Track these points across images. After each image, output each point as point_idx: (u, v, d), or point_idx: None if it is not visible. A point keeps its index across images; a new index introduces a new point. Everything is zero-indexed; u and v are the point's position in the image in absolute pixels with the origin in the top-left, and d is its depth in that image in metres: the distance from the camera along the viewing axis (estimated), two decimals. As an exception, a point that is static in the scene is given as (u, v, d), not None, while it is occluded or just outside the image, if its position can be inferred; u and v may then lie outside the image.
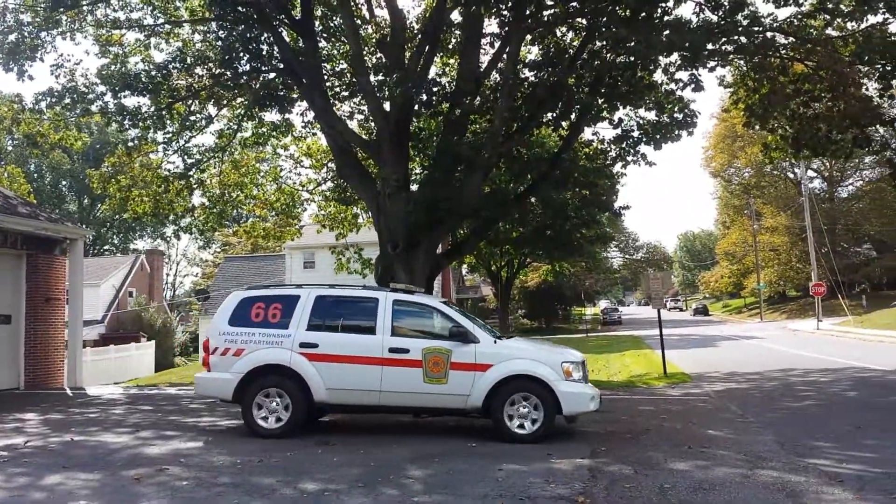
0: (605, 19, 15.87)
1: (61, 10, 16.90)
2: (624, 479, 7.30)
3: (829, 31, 16.33)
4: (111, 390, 18.37)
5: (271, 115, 20.43)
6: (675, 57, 16.58)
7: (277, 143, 22.70)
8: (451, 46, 19.52)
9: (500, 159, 18.77)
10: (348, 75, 19.70)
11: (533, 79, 17.98)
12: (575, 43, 18.07)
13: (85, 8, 17.82)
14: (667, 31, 14.34)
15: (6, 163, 52.53)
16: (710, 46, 15.39)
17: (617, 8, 15.40)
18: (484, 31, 17.76)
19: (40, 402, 14.58)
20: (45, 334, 17.98)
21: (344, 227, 23.34)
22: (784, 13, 16.14)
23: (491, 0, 15.18)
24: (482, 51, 17.95)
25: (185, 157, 21.33)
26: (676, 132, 18.75)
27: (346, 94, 20.02)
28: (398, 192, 16.42)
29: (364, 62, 17.25)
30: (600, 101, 17.40)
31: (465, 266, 49.53)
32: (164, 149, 21.16)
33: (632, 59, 15.52)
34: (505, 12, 16.02)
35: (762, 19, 15.93)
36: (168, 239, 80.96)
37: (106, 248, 75.93)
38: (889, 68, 15.34)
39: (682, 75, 17.52)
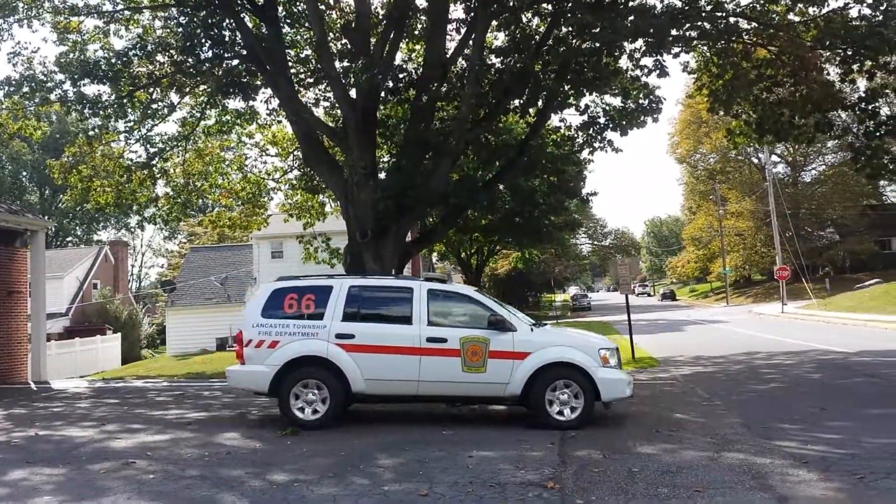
0: (570, 5, 15.87)
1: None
2: (593, 464, 7.34)
3: (791, 16, 16.49)
4: (76, 384, 18.08)
5: (235, 103, 20.16)
6: (639, 43, 16.67)
7: (242, 132, 22.41)
8: (417, 32, 19.41)
9: (468, 146, 18.73)
10: (313, 62, 19.48)
11: (500, 65, 17.94)
12: (541, 29, 18.05)
13: (42, -6, 17.39)
14: (632, 17, 14.37)
15: (-37, 153, 51.22)
16: (674, 32, 15.47)
17: (582, -6, 15.40)
18: (450, 16, 17.67)
19: (3, 397, 14.30)
20: (7, 328, 17.62)
21: (311, 215, 23.15)
22: (746, -1, 16.29)
23: (456, -15, 15.08)
24: (448, 37, 17.86)
25: (148, 145, 21.01)
26: (642, 118, 18.88)
27: (311, 80, 19.80)
28: (366, 179, 16.30)
29: (329, 48, 17.06)
30: (566, 88, 17.44)
31: (434, 254, 49.46)
32: (125, 138, 20.78)
33: (597, 45, 15.55)
34: (471, -2, 15.94)
35: (725, 5, 16.07)
36: (132, 229, 79.68)
37: (69, 239, 74.55)
38: (850, 53, 15.52)
39: (647, 61, 17.66)
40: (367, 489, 6.61)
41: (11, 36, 18.42)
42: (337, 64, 17.15)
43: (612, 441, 8.45)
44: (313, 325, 9.66)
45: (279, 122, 21.92)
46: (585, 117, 19.34)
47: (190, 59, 18.08)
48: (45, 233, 19.59)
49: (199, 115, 20.90)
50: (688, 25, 15.79)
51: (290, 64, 19.00)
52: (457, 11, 18.01)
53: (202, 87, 19.78)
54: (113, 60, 17.97)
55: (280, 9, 18.75)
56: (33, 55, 17.97)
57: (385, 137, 19.77)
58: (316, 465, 7.59)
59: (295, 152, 21.96)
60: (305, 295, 9.90)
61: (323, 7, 18.66)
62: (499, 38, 19.72)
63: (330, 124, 19.23)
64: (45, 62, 18.12)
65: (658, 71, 16.99)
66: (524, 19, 18.31)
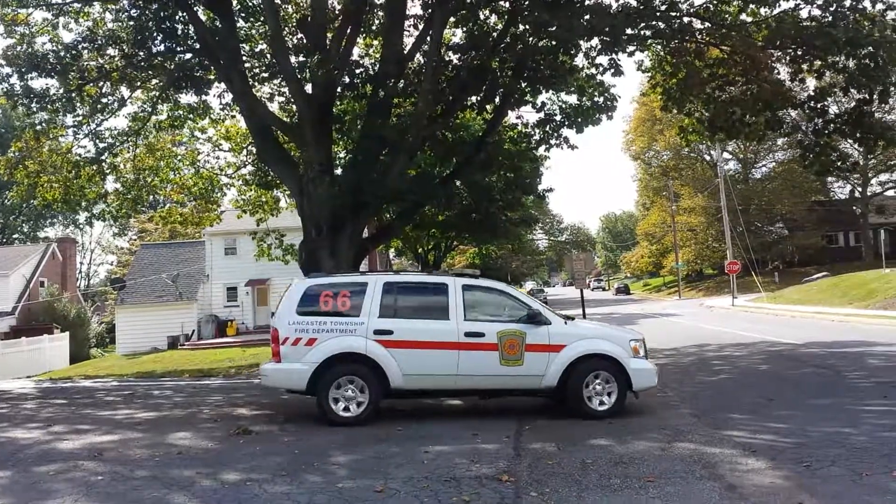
0: (527, 3, 15.95)
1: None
2: (547, 457, 7.41)
3: (743, 16, 16.81)
4: (22, 384, 17.63)
5: (187, 97, 19.86)
6: (595, 41, 16.84)
7: (194, 126, 22.02)
8: (374, 27, 19.32)
9: (425, 142, 18.71)
10: (268, 56, 19.24)
11: (457, 62, 17.94)
12: (498, 26, 18.13)
13: (-13, -15, 16.87)
14: (587, 16, 14.51)
15: None
16: (629, 31, 15.65)
17: (539, -8, 15.49)
18: (407, 12, 17.63)
19: (-56, 400, 13.86)
20: (-52, 328, 17.06)
21: (265, 211, 22.89)
22: (700, -2, 16.57)
23: (412, -19, 15.04)
24: (406, 32, 17.82)
25: (97, 141, 20.47)
26: (597, 116, 19.12)
27: (265, 75, 19.56)
28: (322, 175, 16.18)
29: (284, 43, 16.88)
30: (523, 85, 17.52)
31: (391, 250, 49.31)
32: (74, 133, 20.21)
33: (553, 43, 15.66)
34: (427, -7, 15.92)
35: (679, 4, 16.31)
36: (81, 226, 77.83)
37: (15, 237, 72.47)
38: (800, 52, 15.89)
39: (603, 60, 17.80)
40: (321, 486, 6.58)
41: (-45, 28, 17.84)
42: (292, 59, 16.96)
43: (567, 433, 8.54)
44: (351, 321, 9.60)
45: (233, 116, 21.62)
46: (542, 114, 19.51)
47: (141, 53, 17.71)
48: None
49: (150, 109, 20.48)
50: (642, 25, 16.00)
51: (245, 58, 18.75)
52: (414, 7, 18.01)
53: (154, 81, 19.40)
54: (62, 53, 17.50)
55: (234, 2, 18.49)
56: (-22, 48, 17.43)
57: (341, 133, 19.66)
58: (269, 463, 7.52)
59: (249, 147, 21.69)
60: (341, 292, 9.84)
61: (278, 1, 18.44)
62: (456, 35, 19.75)
63: (285, 119, 19.03)
64: (-10, 55, 17.59)
65: (613, 69, 17.20)
66: (482, 16, 18.36)
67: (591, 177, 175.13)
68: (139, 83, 19.51)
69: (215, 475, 7.08)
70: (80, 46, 17.82)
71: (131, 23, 17.66)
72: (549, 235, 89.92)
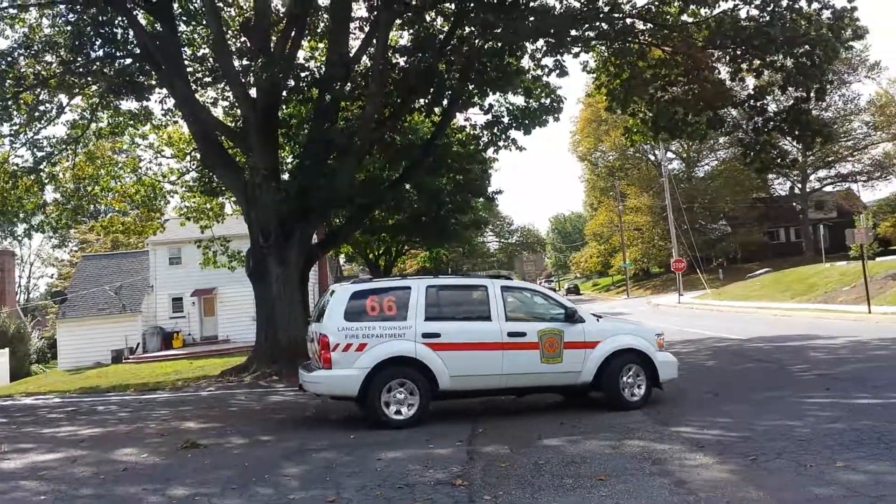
0: (472, 5, 15.99)
1: None
2: (500, 459, 7.38)
3: (684, 17, 17.13)
4: (-42, 403, 16.93)
5: (128, 104, 19.39)
6: (540, 43, 16.98)
7: (135, 133, 21.53)
8: (319, 30, 19.15)
9: (373, 146, 18.63)
10: (211, 60, 18.93)
11: (404, 64, 17.91)
12: (445, 28, 18.14)
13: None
14: (532, 18, 14.62)
15: None
16: (573, 32, 15.84)
17: (484, -6, 15.55)
18: (353, 15, 17.54)
19: None
20: None
21: (209, 218, 22.49)
22: (642, 0, 16.82)
23: (357, -17, 14.94)
24: (352, 35, 17.75)
25: (35, 150, 19.87)
26: (544, 117, 19.30)
27: (209, 79, 19.26)
28: (268, 181, 15.95)
29: (227, 46, 16.64)
30: (471, 87, 17.59)
31: (342, 256, 48.92)
32: (10, 142, 19.61)
33: (500, 44, 15.74)
34: (372, -4, 15.84)
35: (622, 5, 16.55)
36: (19, 238, 75.23)
37: (-51, 249, 69.82)
38: (739, 52, 16.25)
39: (549, 61, 18.01)
40: (273, 499, 6.43)
41: None
42: (236, 62, 16.73)
43: (519, 435, 8.53)
44: (399, 325, 9.57)
45: (175, 122, 21.21)
46: (490, 116, 19.63)
47: (79, 59, 17.28)
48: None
49: (89, 116, 19.97)
50: (586, 26, 16.21)
51: (187, 63, 18.43)
52: (360, 10, 17.90)
53: (93, 88, 18.91)
54: (-4, 60, 16.95)
55: (175, 6, 18.14)
56: None
57: (288, 137, 19.44)
58: (218, 477, 7.33)
59: (192, 153, 21.29)
60: (386, 296, 9.81)
61: (220, 4, 18.16)
62: (403, 38, 19.73)
63: (229, 124, 18.76)
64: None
65: (558, 70, 17.39)
66: (428, 18, 18.37)
67: (540, 178, 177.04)
68: (78, 90, 19.03)
69: (163, 491, 6.86)
70: (15, 53, 17.31)
71: (69, 28, 17.23)
72: (499, 237, 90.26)
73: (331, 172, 16.49)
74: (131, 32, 16.99)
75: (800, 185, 60.93)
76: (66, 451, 9.26)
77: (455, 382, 9.59)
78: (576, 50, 17.13)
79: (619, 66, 17.95)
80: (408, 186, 24.23)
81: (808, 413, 8.71)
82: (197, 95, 18.34)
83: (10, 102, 17.81)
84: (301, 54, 18.99)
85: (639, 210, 63.80)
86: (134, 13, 16.99)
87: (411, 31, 18.59)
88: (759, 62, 16.34)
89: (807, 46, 15.33)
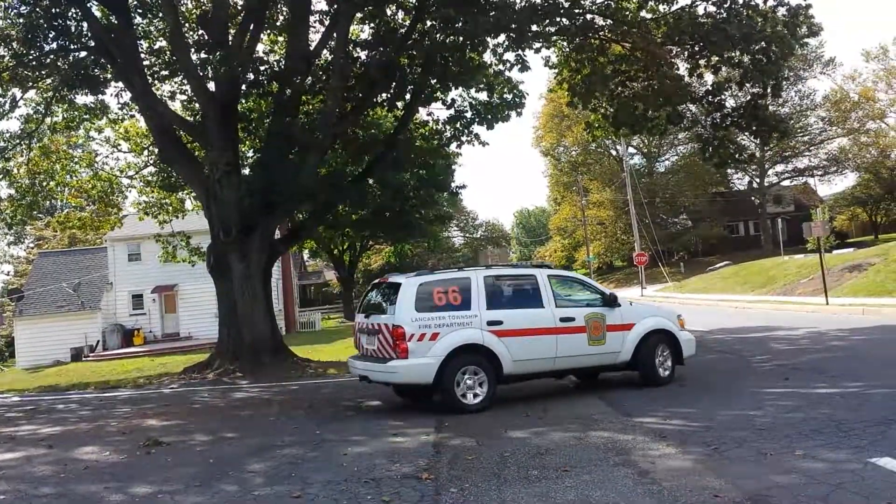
0: (433, -1, 15.96)
1: None
2: (466, 452, 7.40)
3: (643, 13, 17.30)
4: None
5: (83, 97, 18.96)
6: (502, 38, 17.02)
7: (91, 127, 21.07)
8: (278, 24, 18.92)
9: (336, 140, 18.49)
10: (168, 53, 18.59)
11: (365, 58, 17.81)
12: (406, 22, 18.05)
13: None
14: (493, 13, 14.61)
15: None
16: (534, 28, 15.88)
17: (445, -13, 15.52)
18: (313, 8, 17.39)
19: None
20: None
21: (168, 213, 22.14)
22: (602, -5, 16.92)
23: (317, -24, 14.78)
24: (312, 29, 17.58)
25: (-13, 145, 19.37)
26: (507, 112, 19.35)
27: (166, 73, 18.92)
28: (229, 176, 15.76)
29: (184, 39, 16.37)
30: (433, 82, 17.55)
31: (305, 251, 48.62)
32: (-38, 137, 19.07)
33: (461, 39, 15.72)
34: (333, -11, 15.71)
35: (582, 2, 16.62)
36: (-27, 236, 73.41)
37: None
38: (697, 48, 16.45)
39: (510, 56, 18.05)
40: (237, 496, 6.36)
41: None
42: (193, 56, 16.45)
43: (485, 428, 8.56)
44: (465, 314, 9.93)
45: (132, 116, 20.80)
46: (452, 111, 19.60)
47: (33, 52, 16.84)
48: None
49: (44, 110, 19.50)
50: (547, 21, 16.25)
51: (144, 56, 18.10)
52: (320, 3, 17.80)
53: (47, 81, 18.46)
54: (-56, 54, 16.46)
55: (130, -3, 17.80)
56: None
57: (248, 132, 19.21)
58: (181, 474, 7.23)
59: (150, 148, 20.93)
60: (450, 287, 10.15)
61: (177, -4, 17.85)
62: (364, 31, 19.59)
63: (188, 118, 18.47)
64: None
65: (520, 65, 17.45)
66: (388, 12, 18.26)
67: (504, 173, 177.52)
68: (31, 83, 18.57)
69: (125, 489, 6.75)
70: (-35, 46, 16.81)
71: (21, 20, 16.75)
72: (464, 232, 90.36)
73: (293, 167, 16.34)
74: (85, 25, 16.62)
75: (758, 180, 61.95)
76: (26, 450, 9.10)
77: (516, 367, 10.08)
78: (537, 45, 17.17)
79: (579, 62, 18.02)
80: (371, 181, 24.11)
81: (768, 403, 8.87)
82: (154, 89, 18.02)
83: (-40, 97, 17.35)
84: (260, 48, 18.81)
85: (602, 205, 64.34)
86: (88, 5, 16.63)
87: (372, 24, 18.48)
88: (716, 58, 16.54)
89: (763, 43, 15.57)
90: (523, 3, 15.90)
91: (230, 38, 16.47)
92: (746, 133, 19.73)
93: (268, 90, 17.55)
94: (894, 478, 5.57)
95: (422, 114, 20.70)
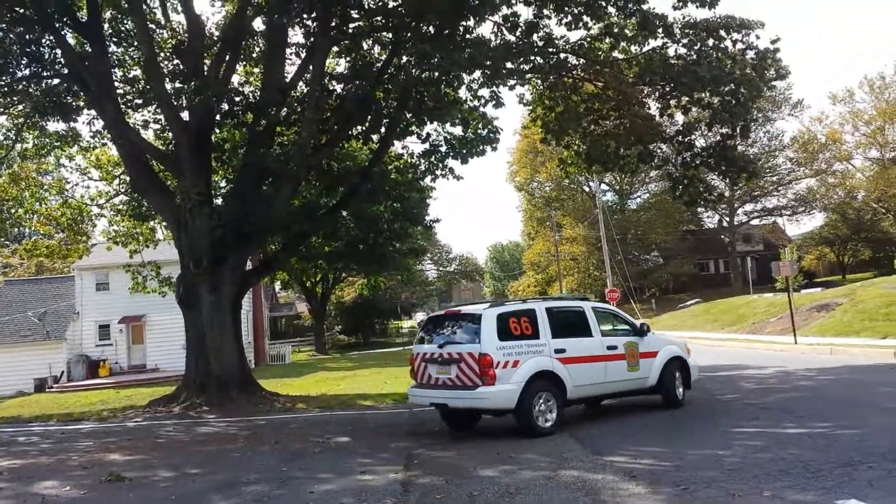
0: (409, 35, 16.10)
1: None
2: (435, 490, 7.29)
3: (615, 53, 17.56)
4: None
5: (55, 124, 18.76)
6: (477, 74, 17.19)
7: (62, 154, 20.83)
8: (255, 55, 18.95)
9: (310, 172, 18.46)
10: (142, 82, 18.51)
11: (341, 91, 17.86)
12: (382, 57, 18.18)
13: None
14: (469, 49, 14.78)
15: None
16: (509, 65, 16.06)
17: (421, 24, 15.68)
18: (289, 40, 17.44)
19: None
20: None
21: (139, 243, 21.86)
22: (575, 36, 17.20)
23: (294, 9, 14.86)
24: (288, 61, 17.63)
25: (-45, 171, 19.08)
26: (481, 147, 19.48)
27: (140, 101, 18.81)
28: (201, 206, 15.63)
29: (159, 68, 16.32)
30: (408, 116, 17.64)
31: (277, 283, 48.19)
32: (-70, 163, 18.77)
33: (436, 74, 15.85)
34: (309, 23, 15.80)
35: (556, 41, 16.88)
36: (-63, 262, 71.92)
37: None
38: (668, 89, 16.73)
39: (485, 92, 18.23)
40: (197, 535, 6.19)
41: None
42: (168, 85, 16.39)
43: (455, 466, 8.45)
44: (536, 343, 10.58)
45: (104, 144, 20.61)
46: (427, 145, 19.69)
47: (4, 77, 16.68)
48: None
49: (14, 137, 19.27)
50: (521, 59, 16.46)
51: (117, 84, 18.02)
52: (296, 36, 17.82)
53: (19, 108, 18.27)
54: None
55: (106, 26, 17.75)
56: None
57: (221, 162, 19.11)
58: (141, 512, 7.03)
59: (122, 176, 20.71)
60: (522, 318, 10.74)
61: (153, 26, 17.84)
62: (340, 65, 19.69)
63: (160, 148, 18.33)
64: None
65: (494, 101, 17.64)
66: (365, 46, 18.39)
67: (478, 207, 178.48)
68: (2, 109, 18.35)
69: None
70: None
71: (-6, 47, 16.62)
72: (438, 266, 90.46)
73: (266, 198, 16.26)
74: (59, 52, 16.52)
75: (728, 219, 62.81)
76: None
77: (576, 392, 10.78)
78: (511, 82, 17.36)
79: (553, 100, 18.23)
80: (345, 213, 24.05)
81: (737, 442, 8.87)
82: (127, 117, 17.90)
83: (-70, 122, 17.11)
84: (236, 78, 18.80)
85: (575, 240, 64.76)
86: (62, 33, 16.56)
87: (348, 58, 18.59)
88: (686, 99, 16.84)
89: (732, 85, 15.88)
90: (498, 41, 16.12)
91: (205, 68, 16.46)
92: (716, 173, 20.02)
93: (242, 121, 17.52)
94: (861, 520, 5.57)
95: (397, 147, 20.81)
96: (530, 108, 19.72)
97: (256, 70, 19.56)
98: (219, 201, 18.15)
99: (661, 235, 61.79)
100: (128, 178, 18.65)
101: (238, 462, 9.62)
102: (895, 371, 14.71)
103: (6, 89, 17.05)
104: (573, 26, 15.97)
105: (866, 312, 23.64)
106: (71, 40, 17.23)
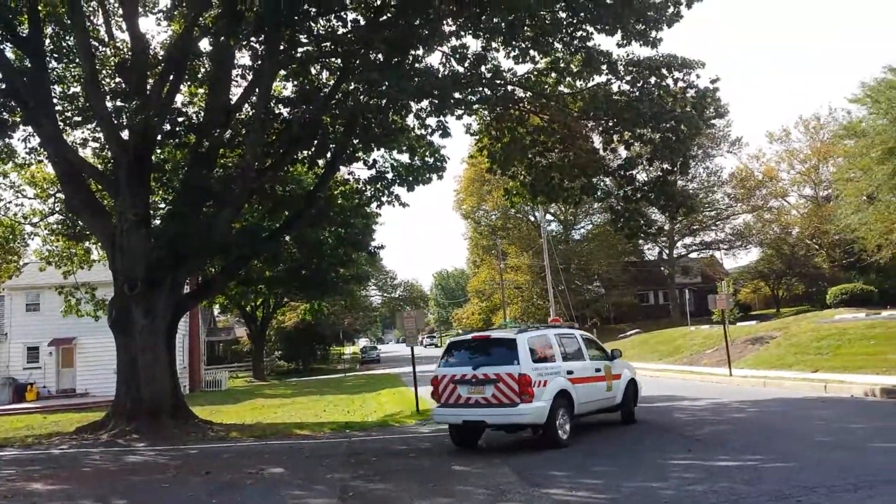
0: (357, 62, 16.12)
1: None
2: (369, 525, 7.15)
3: (561, 87, 17.89)
4: None
5: (-12, 140, 18.12)
6: (425, 103, 17.27)
7: (-6, 171, 20.16)
8: (200, 76, 18.69)
9: (253, 195, 18.21)
10: (82, 99, 18.07)
11: (287, 115, 17.74)
12: (330, 82, 18.15)
13: None
14: (417, 78, 14.87)
15: None
16: (456, 95, 16.20)
17: (370, 52, 15.73)
18: (236, 62, 17.28)
19: None
20: None
21: (73, 264, 21.19)
22: (522, 69, 17.49)
23: (241, 32, 14.74)
24: (234, 83, 17.47)
25: None
26: (428, 175, 19.54)
27: (79, 119, 18.34)
28: (137, 227, 15.25)
29: (100, 86, 15.99)
30: (355, 142, 17.60)
31: (216, 306, 47.22)
32: None
33: (384, 102, 15.88)
34: (257, 45, 15.68)
35: (503, 73, 17.12)
36: None
37: None
38: (611, 124, 17.09)
39: (432, 121, 18.33)
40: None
41: None
42: (109, 103, 16.04)
43: (391, 496, 8.33)
44: (554, 366, 11.88)
45: (40, 161, 19.98)
46: (374, 172, 19.66)
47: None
48: None
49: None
50: (469, 90, 16.64)
51: (56, 101, 17.55)
52: (243, 58, 17.68)
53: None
54: None
55: (47, 41, 17.32)
56: None
57: (161, 183, 18.73)
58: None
59: (57, 194, 20.10)
60: (542, 342, 12.19)
61: (96, 43, 17.48)
62: (287, 88, 19.57)
63: (98, 166, 17.87)
64: None
65: (441, 131, 17.75)
66: (313, 71, 18.33)
67: (424, 234, 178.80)
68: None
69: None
70: None
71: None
72: (382, 292, 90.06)
73: (207, 220, 15.97)
74: (-4, 67, 16.06)
75: (667, 251, 64.17)
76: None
77: (579, 408, 12.10)
78: (459, 112, 17.51)
79: (499, 131, 18.45)
80: (288, 238, 23.79)
81: (671, 475, 8.94)
82: (65, 135, 17.43)
83: None
84: (180, 98, 18.52)
85: (519, 269, 65.24)
86: (1, 47, 16.11)
87: (296, 82, 18.48)
88: (628, 134, 17.22)
89: (672, 122, 16.31)
90: (447, 72, 16.26)
91: (149, 87, 16.17)
92: (655, 207, 20.43)
93: (185, 141, 17.23)
94: (788, 555, 5.65)
95: (343, 172, 20.70)
96: (477, 137, 19.90)
97: (201, 91, 19.28)
98: (157, 222, 17.75)
99: (603, 266, 62.70)
100: (63, 197, 18.11)
101: (166, 493, 9.31)
102: (826, 404, 15.09)
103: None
104: (520, 60, 16.25)
105: (799, 346, 24.28)
106: (10, 55, 16.77)
